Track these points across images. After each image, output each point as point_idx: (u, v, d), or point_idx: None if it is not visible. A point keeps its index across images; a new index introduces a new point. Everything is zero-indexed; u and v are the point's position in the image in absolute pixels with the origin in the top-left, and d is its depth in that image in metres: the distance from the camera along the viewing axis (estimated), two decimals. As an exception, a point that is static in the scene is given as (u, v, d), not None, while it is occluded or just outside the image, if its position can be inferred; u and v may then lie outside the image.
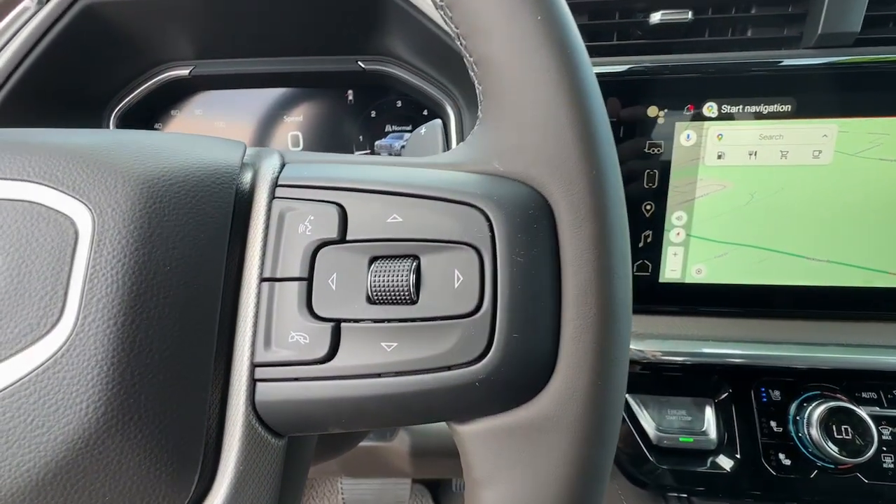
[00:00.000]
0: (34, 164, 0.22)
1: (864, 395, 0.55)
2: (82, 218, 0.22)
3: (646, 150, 0.56)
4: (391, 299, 0.23)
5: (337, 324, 0.23)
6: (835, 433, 0.53)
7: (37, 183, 0.22)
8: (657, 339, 0.58)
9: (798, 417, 0.55)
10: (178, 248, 0.22)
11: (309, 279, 0.24)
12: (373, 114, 0.77)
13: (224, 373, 0.23)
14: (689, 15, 0.54)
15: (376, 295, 0.23)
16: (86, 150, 0.23)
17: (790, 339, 0.57)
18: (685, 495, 0.57)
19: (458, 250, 0.23)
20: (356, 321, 0.23)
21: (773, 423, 0.56)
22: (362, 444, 0.71)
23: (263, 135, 0.77)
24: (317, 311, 0.23)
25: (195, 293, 0.22)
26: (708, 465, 0.56)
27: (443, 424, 0.25)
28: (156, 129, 0.77)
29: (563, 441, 0.21)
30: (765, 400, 0.57)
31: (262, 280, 0.24)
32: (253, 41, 0.68)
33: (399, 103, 0.76)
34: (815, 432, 0.53)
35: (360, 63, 0.70)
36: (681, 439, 0.57)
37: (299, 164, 0.26)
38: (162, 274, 0.22)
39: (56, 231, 0.22)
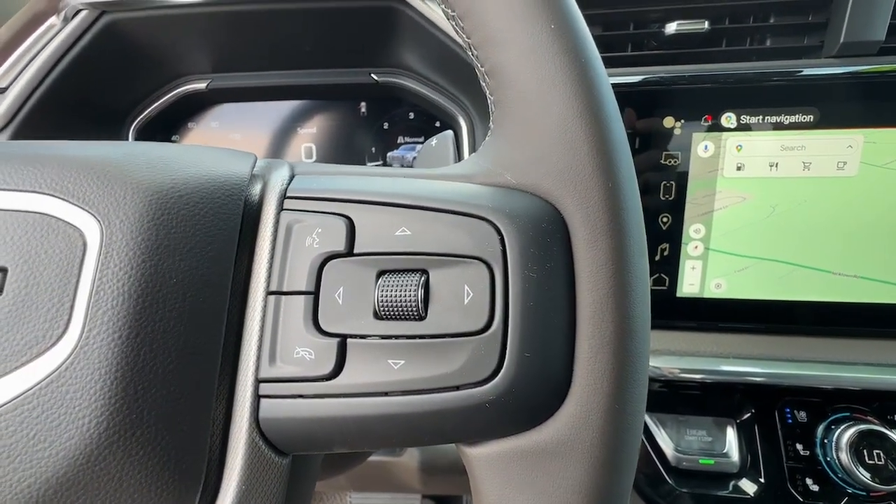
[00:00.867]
0: (45, 175, 0.23)
1: (896, 417, 0.53)
2: (91, 229, 0.22)
3: (662, 161, 0.55)
4: (399, 315, 0.22)
5: (343, 339, 0.22)
6: (866, 458, 0.50)
7: (47, 194, 0.22)
8: (675, 356, 0.56)
9: (826, 440, 0.53)
10: (185, 260, 0.22)
11: (315, 293, 0.23)
12: (385, 125, 0.77)
13: (228, 388, 0.23)
14: (706, 25, 0.53)
15: (384, 310, 0.22)
16: (96, 161, 0.23)
17: (816, 357, 0.54)
18: (706, 521, 0.55)
19: (468, 265, 0.22)
20: (363, 337, 0.22)
21: (798, 446, 0.54)
22: (371, 458, 0.70)
23: (278, 146, 0.78)
24: (323, 326, 0.23)
25: (201, 306, 0.22)
26: (730, 489, 0.54)
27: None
28: (173, 142, 0.78)
29: (577, 468, 0.20)
30: (790, 421, 0.55)
31: (269, 293, 0.23)
32: (268, 55, 0.69)
33: (411, 115, 0.76)
34: (844, 457, 0.50)
35: (373, 75, 0.71)
36: (701, 461, 0.54)
37: (308, 176, 0.26)
38: (168, 286, 0.21)
39: (65, 242, 0.22)
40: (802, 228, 0.54)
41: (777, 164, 0.53)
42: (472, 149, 0.72)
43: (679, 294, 0.58)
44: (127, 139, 0.74)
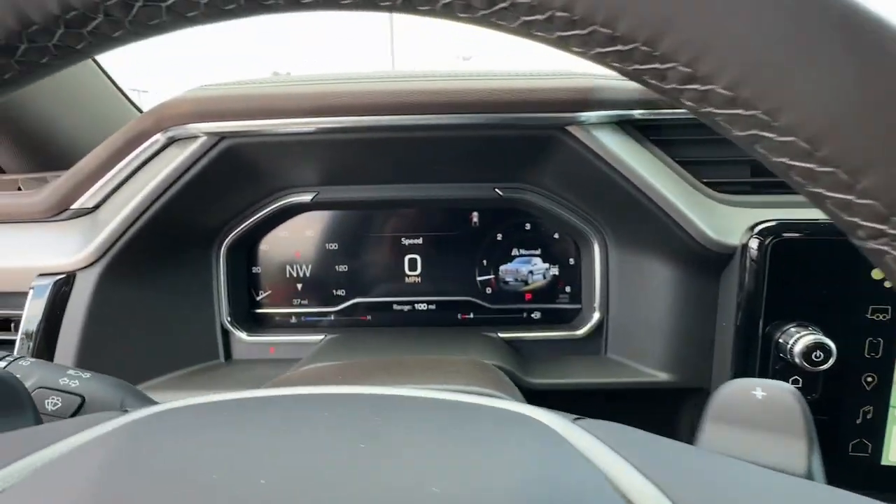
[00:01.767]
0: None
1: None
2: None
3: (868, 314, 0.49)
4: None
5: None
6: None
7: None
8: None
9: None
10: None
11: None
12: (499, 237, 0.70)
13: None
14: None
15: None
16: None
17: None
18: None
19: None
20: None
21: None
22: None
23: (379, 259, 0.71)
24: None
25: None
26: None
27: None
28: (263, 251, 0.71)
29: None
30: None
31: None
32: (384, 169, 0.63)
33: (528, 226, 0.70)
34: None
35: (497, 190, 0.64)
36: None
37: None
38: None
39: None
40: None
41: None
42: (605, 271, 0.66)
43: (884, 462, 0.50)
44: (217, 257, 0.67)
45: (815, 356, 0.47)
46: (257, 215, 0.66)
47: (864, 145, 0.13)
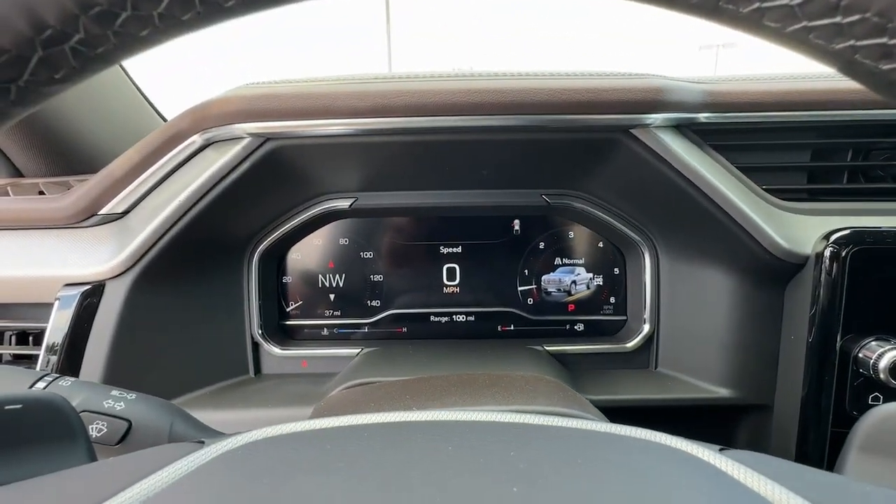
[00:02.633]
0: None
1: None
2: None
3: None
4: None
5: None
6: None
7: None
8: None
9: None
10: None
11: None
12: (541, 245, 0.68)
13: None
14: None
15: None
16: None
17: None
18: None
19: None
20: None
21: None
22: None
23: (417, 268, 0.68)
24: None
25: None
26: None
27: None
28: (294, 259, 0.67)
29: None
30: None
31: None
32: (427, 174, 0.60)
33: (571, 235, 0.67)
34: None
35: (544, 197, 0.62)
36: None
37: None
38: None
39: None
40: None
41: None
42: (655, 280, 0.63)
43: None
44: (249, 266, 0.63)
45: (900, 372, 0.44)
46: (292, 222, 0.62)
47: None
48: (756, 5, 0.14)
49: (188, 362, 0.58)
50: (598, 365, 0.66)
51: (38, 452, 0.24)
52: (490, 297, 0.68)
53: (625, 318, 0.68)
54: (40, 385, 0.32)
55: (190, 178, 0.52)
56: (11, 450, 0.23)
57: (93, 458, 0.26)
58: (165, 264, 0.54)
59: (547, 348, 0.65)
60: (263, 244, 0.63)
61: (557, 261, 0.68)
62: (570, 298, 0.68)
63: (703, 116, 0.50)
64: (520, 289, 0.68)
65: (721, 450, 0.23)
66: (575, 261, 0.68)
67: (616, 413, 0.62)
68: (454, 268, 0.68)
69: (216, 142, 0.52)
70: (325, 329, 0.69)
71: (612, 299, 0.68)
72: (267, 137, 0.50)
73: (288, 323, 0.68)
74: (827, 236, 0.48)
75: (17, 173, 0.70)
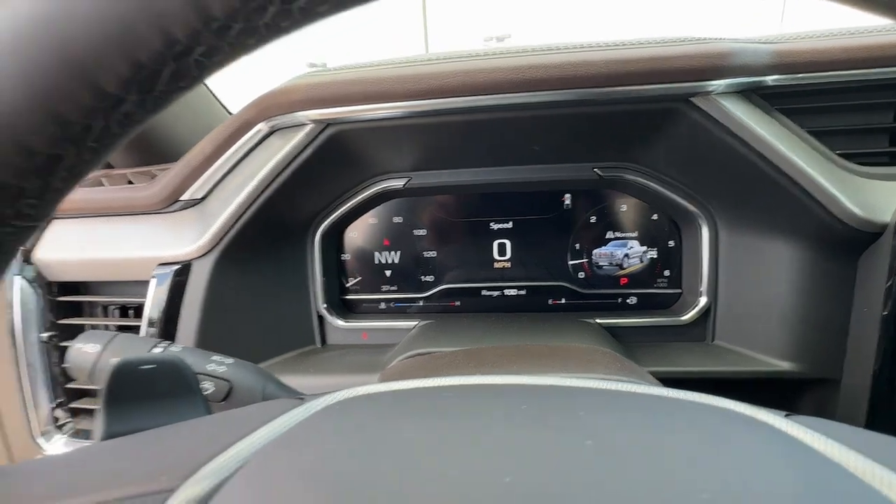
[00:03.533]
0: None
1: None
2: None
3: None
4: None
5: None
6: None
7: None
8: None
9: None
10: None
11: None
12: (592, 219, 0.68)
13: None
14: None
15: None
16: None
17: None
18: None
19: None
20: None
21: None
22: None
23: (468, 244, 0.70)
24: None
25: None
26: None
27: None
28: (351, 237, 0.71)
29: None
30: None
31: None
32: (479, 152, 0.61)
33: (624, 207, 0.67)
34: None
35: (596, 171, 0.61)
36: None
37: None
38: None
39: None
40: None
41: None
42: (714, 254, 0.62)
43: None
44: (312, 245, 0.68)
45: None
46: (349, 203, 0.66)
47: None
48: None
49: (263, 333, 0.64)
50: (651, 338, 0.66)
51: (167, 405, 0.29)
52: (541, 271, 0.69)
53: (680, 291, 0.67)
54: (157, 350, 0.38)
55: (259, 164, 0.56)
56: (149, 402, 0.28)
57: (208, 412, 0.31)
58: (241, 245, 0.59)
59: (599, 321, 0.66)
60: (324, 224, 0.67)
61: (609, 234, 0.68)
62: (623, 272, 0.68)
63: (770, 79, 0.48)
64: (570, 263, 0.69)
65: (787, 415, 0.23)
66: (627, 234, 0.67)
67: (672, 384, 0.63)
68: (504, 243, 0.69)
69: (281, 129, 0.56)
70: (383, 303, 0.73)
71: (667, 272, 0.67)
72: (327, 123, 0.53)
73: (348, 297, 0.73)
74: (908, 203, 0.45)
75: (108, 165, 0.78)
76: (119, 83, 0.16)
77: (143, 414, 0.28)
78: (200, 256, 0.57)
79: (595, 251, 0.68)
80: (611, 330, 0.66)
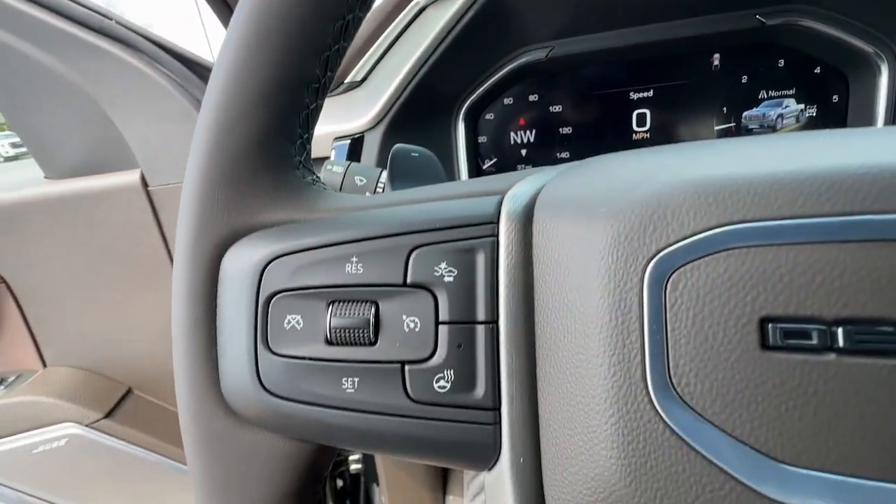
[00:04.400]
0: None
1: None
2: None
3: None
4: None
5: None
6: None
7: None
8: None
9: None
10: None
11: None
12: (744, 79, 0.65)
13: None
14: None
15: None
16: None
17: None
18: None
19: None
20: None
21: None
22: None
23: (604, 117, 0.70)
24: None
25: None
26: None
27: None
28: (487, 120, 0.75)
29: None
30: None
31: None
32: (627, 10, 0.60)
33: (781, 63, 0.63)
34: None
35: (758, 17, 0.58)
36: None
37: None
38: None
39: None
40: None
41: None
42: (893, 96, 0.57)
43: None
44: (457, 122, 0.73)
45: None
46: (491, 80, 0.69)
47: None
48: None
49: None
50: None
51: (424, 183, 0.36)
52: (684, 139, 0.69)
53: (841, 150, 0.63)
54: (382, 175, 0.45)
55: (418, 38, 0.61)
56: (421, 176, 0.35)
57: None
58: (403, 119, 0.65)
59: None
60: (465, 105, 0.71)
61: (762, 94, 0.65)
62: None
63: None
64: (716, 128, 0.67)
65: None
66: (783, 92, 0.64)
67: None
68: (644, 113, 0.69)
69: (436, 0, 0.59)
70: (518, 182, 0.77)
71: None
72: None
73: (485, 178, 0.78)
74: None
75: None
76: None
77: (411, 185, 0.35)
78: (370, 129, 0.64)
79: (745, 114, 0.66)
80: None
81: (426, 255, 0.22)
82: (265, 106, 0.23)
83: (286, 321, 0.22)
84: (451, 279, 0.21)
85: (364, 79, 0.66)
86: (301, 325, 0.22)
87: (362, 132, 0.65)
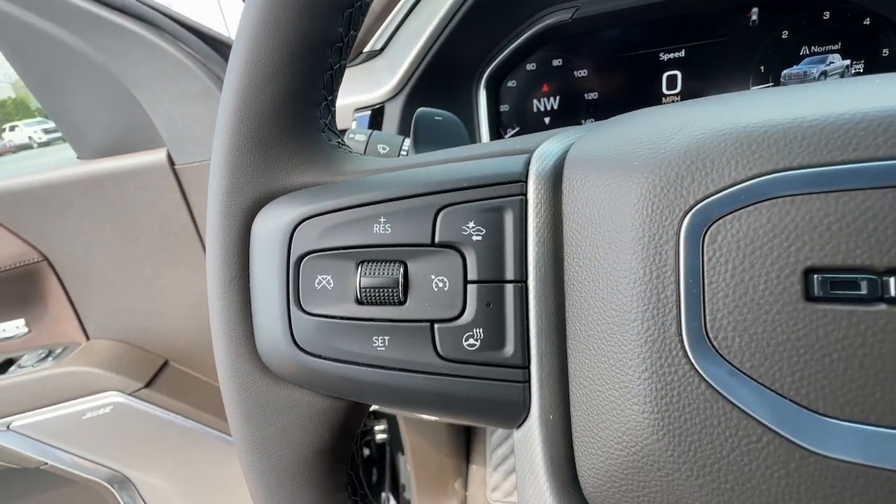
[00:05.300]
0: None
1: None
2: None
3: None
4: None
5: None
6: None
7: None
8: None
9: None
10: None
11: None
12: (784, 34, 0.61)
13: None
14: None
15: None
16: None
17: None
18: None
19: None
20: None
21: None
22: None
23: (633, 81, 0.68)
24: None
25: None
26: None
27: None
28: (509, 87, 0.73)
29: None
30: None
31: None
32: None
33: (826, 15, 0.59)
34: None
35: (802, -35, 0.54)
36: None
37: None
38: None
39: None
40: None
41: None
42: (951, 48, 0.53)
43: None
44: (478, 90, 0.71)
45: None
46: (514, 44, 0.67)
47: None
48: None
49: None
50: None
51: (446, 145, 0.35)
52: (715, 102, 0.66)
53: None
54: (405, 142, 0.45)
55: (434, 6, 0.59)
56: (445, 140, 0.34)
57: None
58: (423, 88, 0.64)
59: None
60: (487, 72, 0.69)
61: (804, 51, 0.61)
62: (816, 93, 0.62)
63: None
64: (753, 89, 0.64)
65: None
66: (828, 47, 0.60)
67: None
68: (675, 75, 0.66)
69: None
70: (541, 151, 0.75)
71: (875, 88, 0.60)
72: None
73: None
74: None
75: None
76: None
77: (435, 149, 0.35)
78: (390, 99, 0.63)
79: (784, 72, 0.62)
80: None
81: (454, 215, 0.21)
82: (290, 67, 0.22)
83: (317, 281, 0.22)
84: (479, 238, 0.21)
85: (383, 47, 0.65)
86: (332, 285, 0.22)
87: (382, 103, 0.64)
